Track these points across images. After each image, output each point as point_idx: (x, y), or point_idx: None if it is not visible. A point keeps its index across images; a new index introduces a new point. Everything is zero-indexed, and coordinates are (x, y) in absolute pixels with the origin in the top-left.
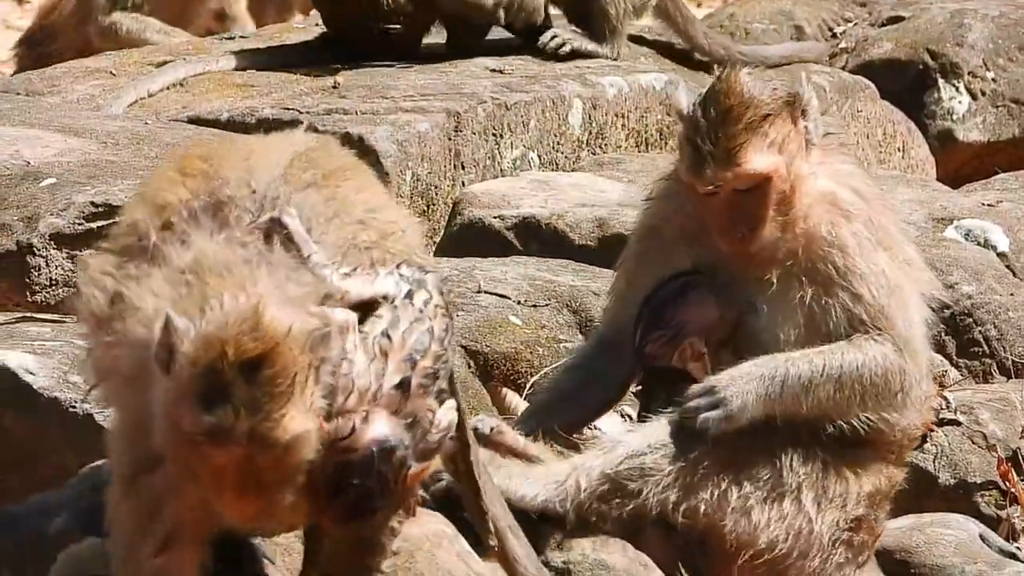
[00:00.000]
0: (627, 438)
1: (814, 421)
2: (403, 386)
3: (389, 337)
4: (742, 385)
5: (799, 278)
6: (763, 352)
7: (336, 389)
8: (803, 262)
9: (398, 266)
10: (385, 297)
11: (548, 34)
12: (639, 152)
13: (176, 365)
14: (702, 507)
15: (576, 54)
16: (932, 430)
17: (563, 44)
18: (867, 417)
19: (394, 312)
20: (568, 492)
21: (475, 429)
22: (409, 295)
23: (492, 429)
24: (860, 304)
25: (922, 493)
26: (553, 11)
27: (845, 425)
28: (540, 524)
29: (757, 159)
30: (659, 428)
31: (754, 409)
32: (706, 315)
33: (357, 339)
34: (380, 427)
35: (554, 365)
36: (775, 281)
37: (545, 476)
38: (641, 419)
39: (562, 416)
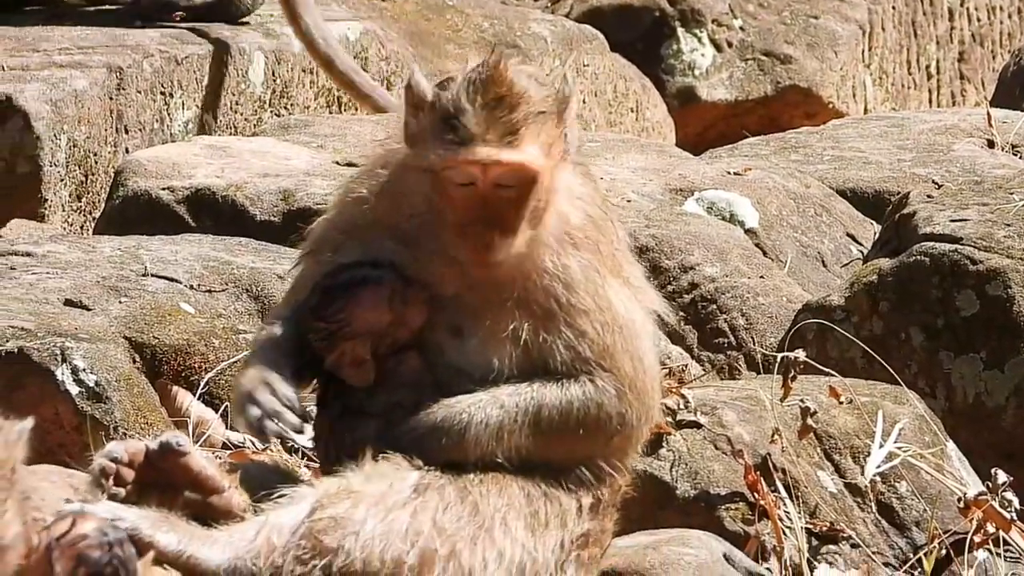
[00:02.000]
0: (316, 488)
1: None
2: None
3: None
4: (406, 443)
5: (514, 310)
6: (469, 382)
7: None
8: (520, 290)
9: None
10: None
11: None
12: (331, 113)
13: None
14: (407, 559)
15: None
16: (669, 433)
17: None
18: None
19: None
20: (261, 552)
21: (159, 445)
22: None
23: (178, 445)
24: (584, 341)
25: (657, 506)
26: None
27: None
28: None
29: (533, 151)
30: (352, 474)
31: (431, 460)
32: (376, 318)
33: None
34: None
35: (233, 360)
36: (487, 307)
37: (230, 537)
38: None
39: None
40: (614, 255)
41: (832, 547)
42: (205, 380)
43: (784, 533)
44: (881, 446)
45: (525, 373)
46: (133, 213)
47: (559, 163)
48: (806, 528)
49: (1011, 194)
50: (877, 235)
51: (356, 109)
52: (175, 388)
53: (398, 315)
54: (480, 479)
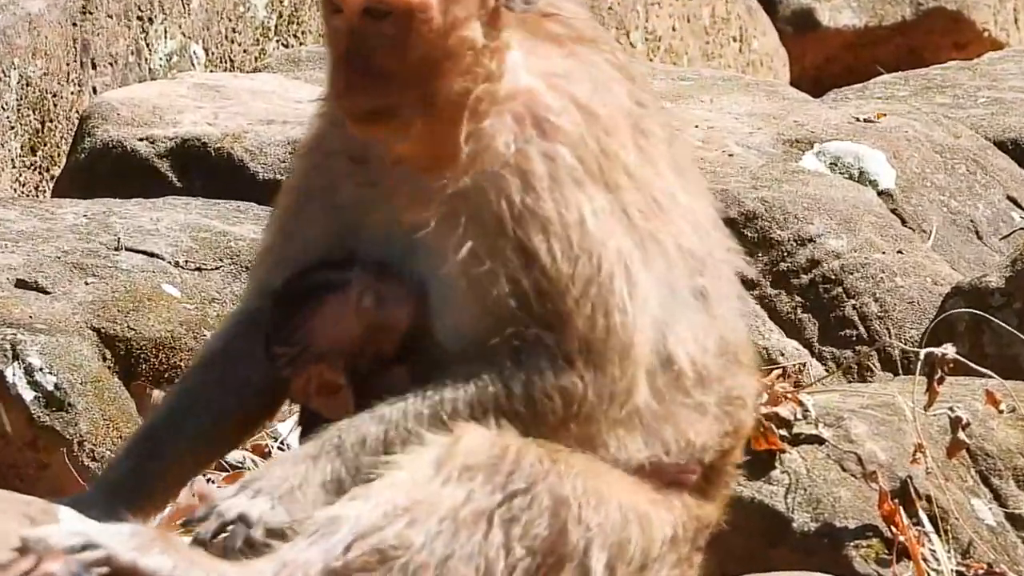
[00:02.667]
0: (350, 509)
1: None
2: None
3: None
4: (276, 482)
5: (459, 219)
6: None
7: None
8: (470, 193)
9: None
10: None
11: None
12: None
13: None
14: None
15: None
16: (782, 450)
17: None
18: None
19: None
20: None
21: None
22: None
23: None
24: (531, 273)
25: (768, 541)
26: None
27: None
28: None
29: None
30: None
31: (316, 500)
32: (344, 332)
33: None
34: None
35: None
36: (445, 234)
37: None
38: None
39: (177, 446)
40: (616, 158)
41: None
42: None
43: None
44: None
45: (481, 329)
46: (103, 170)
47: (479, 11)
48: (957, 571)
49: None
50: None
51: None
52: (156, 392)
53: (372, 322)
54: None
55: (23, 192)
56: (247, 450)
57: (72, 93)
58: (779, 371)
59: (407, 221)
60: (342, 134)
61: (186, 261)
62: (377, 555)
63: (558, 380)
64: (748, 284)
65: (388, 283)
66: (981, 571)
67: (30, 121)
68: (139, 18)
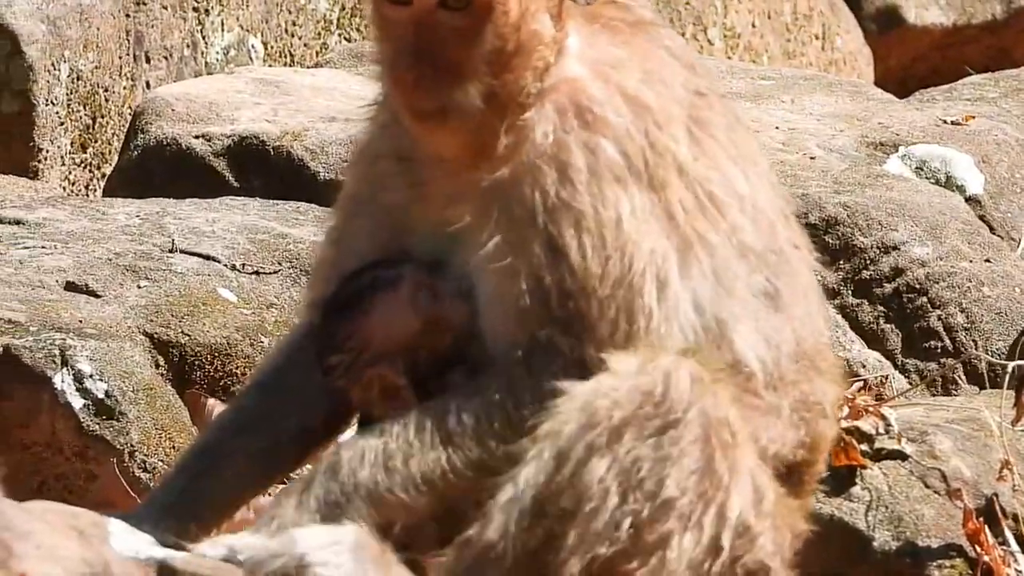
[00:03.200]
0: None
1: None
2: None
3: None
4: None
5: (492, 213)
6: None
7: None
8: (505, 185)
9: None
10: None
11: None
12: None
13: None
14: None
15: None
16: (864, 465)
17: None
18: None
19: None
20: None
21: None
22: None
23: None
24: (557, 269)
25: (848, 560)
26: None
27: None
28: None
29: None
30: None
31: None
32: (402, 329)
33: None
34: None
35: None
36: (469, 220)
37: None
38: None
39: (234, 464)
40: (658, 155)
41: None
42: None
43: None
44: None
45: (516, 330)
46: (156, 168)
47: (554, 5)
48: None
49: None
50: None
51: None
52: (211, 401)
53: (429, 317)
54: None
55: (73, 191)
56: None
57: (124, 88)
58: (860, 383)
59: (449, 217)
60: (390, 135)
61: (243, 264)
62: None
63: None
64: (829, 292)
65: (440, 278)
66: None
67: (81, 117)
68: (195, 9)
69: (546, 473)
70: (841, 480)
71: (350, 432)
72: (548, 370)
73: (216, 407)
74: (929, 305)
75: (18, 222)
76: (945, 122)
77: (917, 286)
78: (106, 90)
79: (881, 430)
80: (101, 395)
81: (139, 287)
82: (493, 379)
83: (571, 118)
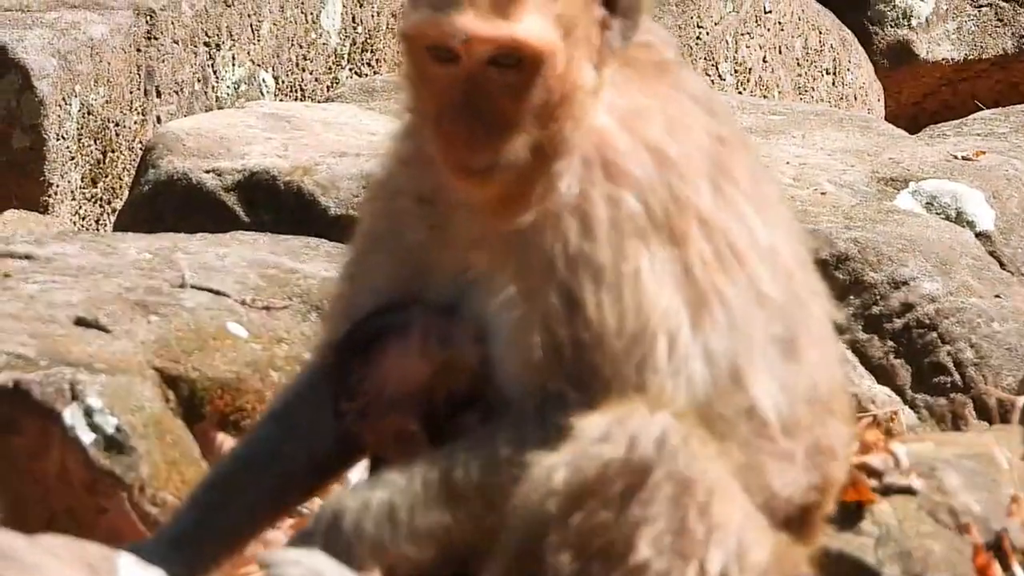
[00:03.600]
0: None
1: None
2: None
3: None
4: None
5: (512, 262)
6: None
7: None
8: (528, 234)
9: None
10: None
11: None
12: None
13: None
14: None
15: None
16: (872, 501)
17: None
18: None
19: None
20: None
21: None
22: None
23: None
24: (573, 322)
25: None
26: None
27: None
28: None
29: (536, 20)
30: None
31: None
32: (413, 375)
33: None
34: None
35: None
36: (490, 267)
37: None
38: None
39: (245, 499)
40: (679, 207)
41: None
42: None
43: None
44: None
45: (534, 377)
46: (167, 203)
47: (589, 52)
48: None
49: None
50: None
51: None
52: (220, 436)
53: (440, 362)
54: None
55: (83, 225)
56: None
57: (135, 122)
58: (870, 419)
59: (468, 261)
60: (410, 173)
61: (253, 299)
62: None
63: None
64: (838, 328)
65: (452, 322)
66: None
67: (91, 151)
68: (206, 44)
69: (511, 547)
70: (850, 515)
71: (362, 466)
72: (557, 424)
73: (226, 442)
74: (939, 340)
75: (28, 257)
76: (956, 157)
77: (927, 321)
78: (117, 124)
79: (891, 465)
80: (111, 430)
81: (149, 322)
82: (502, 430)
83: (597, 170)
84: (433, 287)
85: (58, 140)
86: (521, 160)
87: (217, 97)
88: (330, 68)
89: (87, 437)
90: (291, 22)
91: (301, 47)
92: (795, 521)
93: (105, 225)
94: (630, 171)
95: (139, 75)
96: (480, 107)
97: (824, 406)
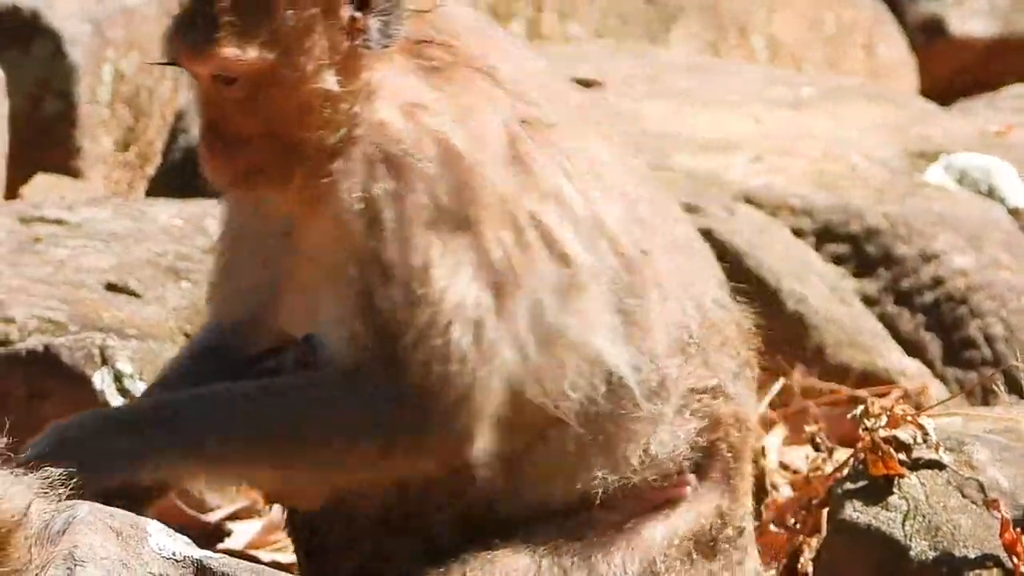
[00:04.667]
0: None
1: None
2: None
3: None
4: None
5: (314, 266)
6: None
7: None
8: (324, 239)
9: None
10: None
11: None
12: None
13: None
14: None
15: None
16: (901, 475)
17: None
18: None
19: None
20: None
21: None
22: None
23: None
24: (371, 319)
25: (884, 569)
26: None
27: None
28: None
29: (243, 40)
30: None
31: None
32: None
33: None
34: None
35: None
36: (296, 274)
37: None
38: None
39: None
40: (471, 194)
41: None
42: None
43: None
44: None
45: None
46: (198, 169)
47: (330, 55)
48: None
49: None
50: None
51: None
52: None
53: None
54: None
55: (115, 191)
56: None
57: (168, 88)
58: (900, 392)
59: (302, 281)
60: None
61: None
62: None
63: (391, 416)
64: (869, 301)
65: (317, 348)
66: None
67: (123, 117)
68: None
69: None
70: (878, 489)
71: None
72: (376, 399)
73: None
74: (969, 315)
75: (59, 222)
76: (988, 132)
77: (957, 296)
78: (149, 91)
79: (919, 440)
80: (141, 394)
81: (180, 288)
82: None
83: (378, 167)
84: (283, 292)
85: (90, 105)
86: (279, 167)
87: None
88: None
89: (116, 402)
90: None
91: None
92: (710, 464)
93: (136, 191)
94: (413, 164)
95: None
96: (218, 121)
97: (701, 344)
